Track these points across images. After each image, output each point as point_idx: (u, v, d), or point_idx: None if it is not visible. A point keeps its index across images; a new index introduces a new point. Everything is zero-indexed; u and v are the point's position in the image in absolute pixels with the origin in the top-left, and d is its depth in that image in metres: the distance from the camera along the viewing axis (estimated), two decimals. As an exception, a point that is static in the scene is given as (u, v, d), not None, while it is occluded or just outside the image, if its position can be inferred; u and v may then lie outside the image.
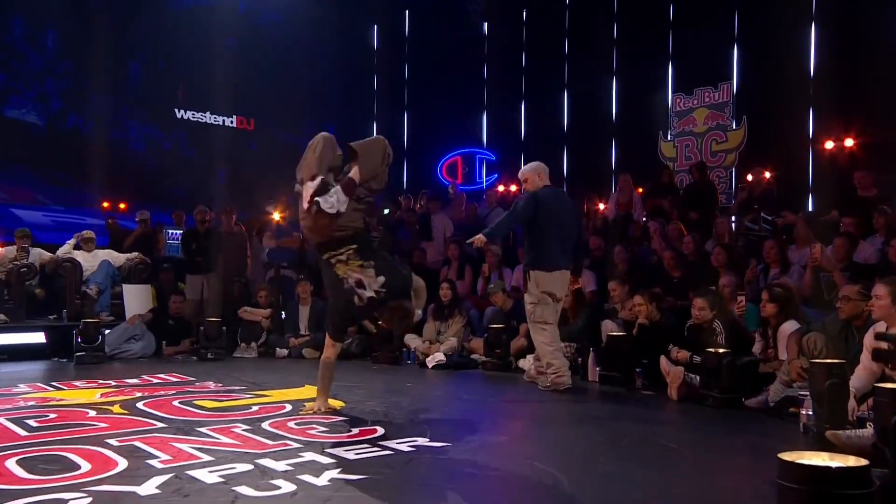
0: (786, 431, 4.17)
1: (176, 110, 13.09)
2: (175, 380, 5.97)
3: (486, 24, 13.55)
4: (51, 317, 8.41)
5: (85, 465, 3.23)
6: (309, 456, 3.43)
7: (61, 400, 4.96)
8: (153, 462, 3.30)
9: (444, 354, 7.01)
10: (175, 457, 3.39)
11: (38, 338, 7.72)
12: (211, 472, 3.14)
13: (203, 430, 3.96)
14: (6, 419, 4.21)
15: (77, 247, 8.91)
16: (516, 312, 7.21)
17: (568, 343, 6.60)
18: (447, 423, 4.31)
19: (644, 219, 8.92)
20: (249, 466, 3.24)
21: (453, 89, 13.38)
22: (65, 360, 7.26)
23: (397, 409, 4.68)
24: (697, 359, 5.29)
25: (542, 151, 12.61)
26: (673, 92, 11.35)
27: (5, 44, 11.71)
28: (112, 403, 4.77)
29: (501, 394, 5.74)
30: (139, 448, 3.55)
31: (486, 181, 13.00)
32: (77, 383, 5.72)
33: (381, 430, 4.02)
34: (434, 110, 13.50)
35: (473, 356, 7.14)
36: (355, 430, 4.01)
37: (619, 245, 7.68)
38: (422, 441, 3.77)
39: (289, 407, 4.72)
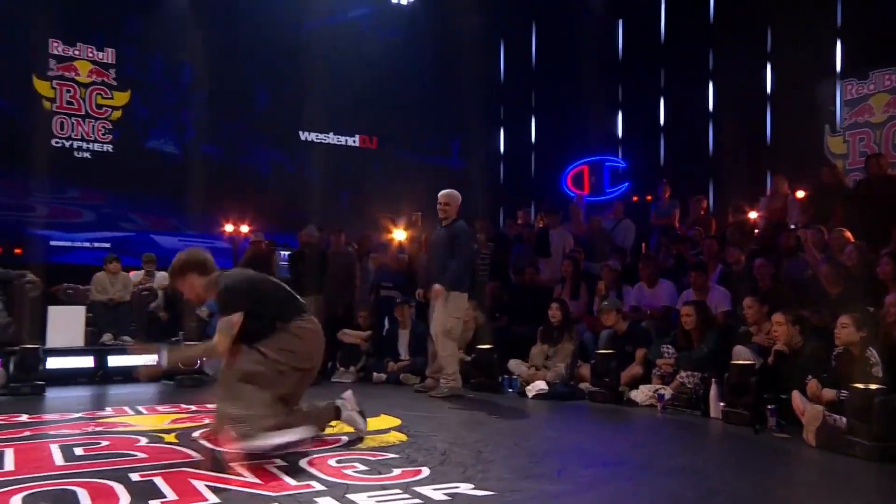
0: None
1: (300, 133, 13.38)
2: (255, 405, 5.74)
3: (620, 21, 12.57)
4: (172, 339, 8.64)
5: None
6: (323, 502, 2.96)
7: (128, 426, 4.84)
8: (155, 503, 2.96)
9: (547, 383, 6.32)
10: (181, 497, 3.03)
11: (150, 360, 7.89)
12: (203, 519, 2.75)
13: (236, 464, 3.60)
14: (58, 445, 4.09)
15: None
16: (632, 336, 6.41)
17: (690, 372, 5.72)
18: (507, 467, 3.65)
19: (793, 226, 7.68)
20: (249, 513, 2.82)
21: (584, 93, 12.48)
22: (171, 382, 7.35)
23: (460, 447, 4.09)
24: (844, 394, 4.27)
25: (683, 157, 11.51)
26: (842, 77, 9.74)
27: (147, 80, 12.53)
28: (171, 431, 4.57)
29: (597, 430, 4.96)
30: (154, 485, 3.22)
31: (616, 191, 12.01)
32: (160, 408, 5.66)
33: (425, 472, 3.48)
34: (563, 119, 12.70)
35: (582, 385, 6.37)
36: (397, 472, 3.49)
37: (761, 257, 6.58)
38: (464, 488, 3.18)
39: (345, 439, 4.29)
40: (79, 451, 3.96)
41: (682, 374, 5.72)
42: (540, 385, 6.26)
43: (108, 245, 11.64)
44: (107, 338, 8.13)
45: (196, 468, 3.54)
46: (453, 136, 14.50)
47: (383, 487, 3.20)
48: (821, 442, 4.18)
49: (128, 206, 12.11)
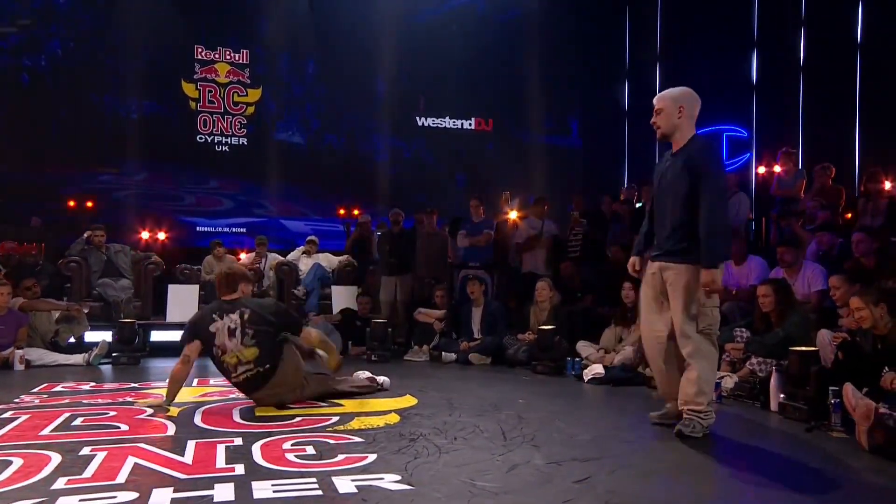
0: None
1: (417, 118, 13.50)
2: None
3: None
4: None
5: (5, 475, 3.00)
6: (220, 490, 2.77)
7: (158, 397, 5.01)
8: (61, 480, 2.91)
9: (605, 367, 5.74)
10: (96, 476, 2.99)
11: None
12: (82, 500, 2.68)
13: (191, 443, 3.56)
14: (69, 414, 4.32)
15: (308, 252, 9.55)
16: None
17: (762, 359, 4.92)
18: (462, 459, 3.27)
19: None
20: (135, 495, 2.73)
21: (715, 66, 11.29)
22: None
23: (441, 434, 3.78)
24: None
25: (825, 126, 10.06)
26: None
27: (275, 77, 13.29)
28: (184, 405, 4.68)
29: (614, 421, 4.30)
30: (91, 460, 3.22)
31: (736, 162, 10.74)
32: (212, 381, 5.86)
33: (368, 460, 3.24)
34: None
35: (648, 370, 5.69)
36: (340, 458, 3.28)
37: (860, 232, 5.50)
38: (387, 481, 2.90)
39: (335, 419, 4.15)
40: (77, 422, 4.12)
41: (754, 360, 4.92)
42: (596, 369, 5.71)
43: (243, 230, 12.57)
44: (216, 313, 8.65)
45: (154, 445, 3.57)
46: (572, 114, 13.91)
47: (300, 475, 2.99)
48: (874, 445, 3.37)
49: (260, 194, 13.00)
